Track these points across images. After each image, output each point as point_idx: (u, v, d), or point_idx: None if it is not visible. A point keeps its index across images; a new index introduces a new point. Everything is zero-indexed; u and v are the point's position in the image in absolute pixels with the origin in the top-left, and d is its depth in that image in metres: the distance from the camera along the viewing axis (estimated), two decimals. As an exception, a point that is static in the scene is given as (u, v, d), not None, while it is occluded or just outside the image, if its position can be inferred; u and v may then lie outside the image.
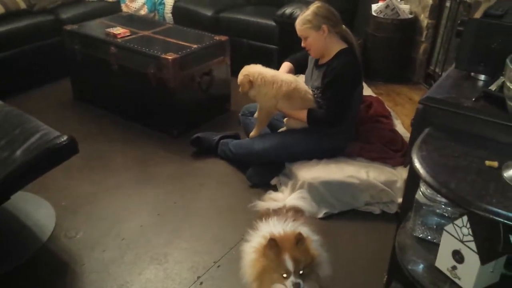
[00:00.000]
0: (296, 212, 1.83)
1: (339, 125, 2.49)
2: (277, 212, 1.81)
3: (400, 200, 2.38)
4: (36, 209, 2.41)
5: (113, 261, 2.13)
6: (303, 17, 2.43)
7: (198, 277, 2.04)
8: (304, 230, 1.64)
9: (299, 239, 1.53)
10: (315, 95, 2.52)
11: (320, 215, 2.42)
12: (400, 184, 2.43)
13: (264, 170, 2.65)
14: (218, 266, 2.10)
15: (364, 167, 2.53)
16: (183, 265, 2.11)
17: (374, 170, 2.50)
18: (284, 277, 1.49)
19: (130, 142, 3.08)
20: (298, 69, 2.77)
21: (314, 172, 2.45)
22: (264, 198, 1.99)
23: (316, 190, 2.40)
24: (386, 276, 1.78)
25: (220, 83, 3.32)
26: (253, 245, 1.63)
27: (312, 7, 2.44)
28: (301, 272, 1.49)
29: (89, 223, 2.35)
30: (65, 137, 2.02)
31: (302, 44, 2.49)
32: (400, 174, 2.47)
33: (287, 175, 2.61)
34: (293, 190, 2.05)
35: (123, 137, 3.13)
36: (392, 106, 3.33)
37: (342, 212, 2.46)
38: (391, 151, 2.66)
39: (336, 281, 2.02)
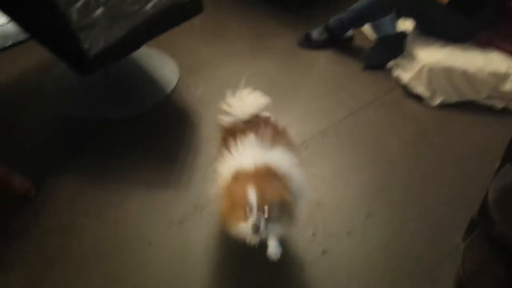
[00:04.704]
0: (273, 128, 1.53)
1: None
2: (244, 127, 1.50)
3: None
4: (162, 65, 2.61)
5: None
6: None
7: (304, 141, 2.14)
8: (281, 161, 1.35)
9: (268, 173, 1.27)
10: None
11: (436, 103, 2.33)
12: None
13: (382, 51, 2.56)
14: (323, 136, 2.17)
15: (493, 57, 2.33)
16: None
17: (504, 62, 2.29)
18: (246, 216, 1.25)
19: (248, 13, 3.11)
20: None
21: (437, 56, 2.31)
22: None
23: (436, 76, 2.29)
24: (499, 163, 1.71)
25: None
26: (223, 179, 1.36)
27: None
28: (266, 212, 1.24)
29: (207, 83, 2.50)
30: (191, -6, 2.10)
31: None
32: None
33: (406, 58, 2.47)
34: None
35: (241, 7, 3.16)
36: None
37: (459, 103, 2.35)
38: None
39: (441, 171, 2.00)
